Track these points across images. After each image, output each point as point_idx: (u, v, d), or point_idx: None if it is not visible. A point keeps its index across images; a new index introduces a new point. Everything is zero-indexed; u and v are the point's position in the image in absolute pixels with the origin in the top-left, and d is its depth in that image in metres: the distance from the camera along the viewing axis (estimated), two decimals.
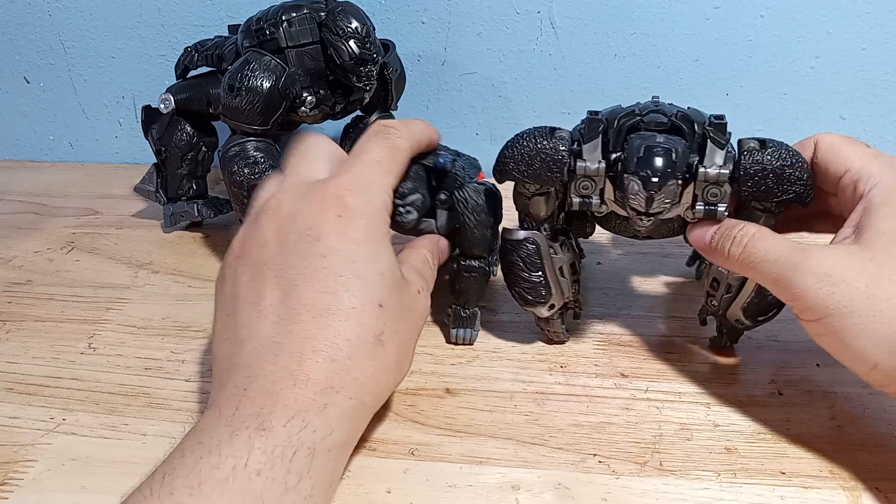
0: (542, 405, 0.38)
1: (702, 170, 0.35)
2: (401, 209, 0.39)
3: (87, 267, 0.54)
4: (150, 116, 0.58)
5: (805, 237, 0.40)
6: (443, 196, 0.40)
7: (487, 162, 0.69)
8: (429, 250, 0.39)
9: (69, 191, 0.68)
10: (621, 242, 0.54)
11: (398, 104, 0.58)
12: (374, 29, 0.50)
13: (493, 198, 0.41)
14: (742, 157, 0.35)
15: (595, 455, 0.35)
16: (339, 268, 0.31)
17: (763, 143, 0.35)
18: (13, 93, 0.75)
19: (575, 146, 0.37)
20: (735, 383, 0.39)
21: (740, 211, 0.37)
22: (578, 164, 0.36)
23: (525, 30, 0.64)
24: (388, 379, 0.32)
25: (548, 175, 0.37)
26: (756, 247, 0.33)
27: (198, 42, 0.57)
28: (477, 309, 0.43)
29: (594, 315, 0.46)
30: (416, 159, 0.39)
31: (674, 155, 0.34)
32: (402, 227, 0.40)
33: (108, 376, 0.41)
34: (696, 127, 0.35)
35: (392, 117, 0.58)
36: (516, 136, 0.38)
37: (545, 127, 0.37)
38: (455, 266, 0.42)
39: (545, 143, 0.37)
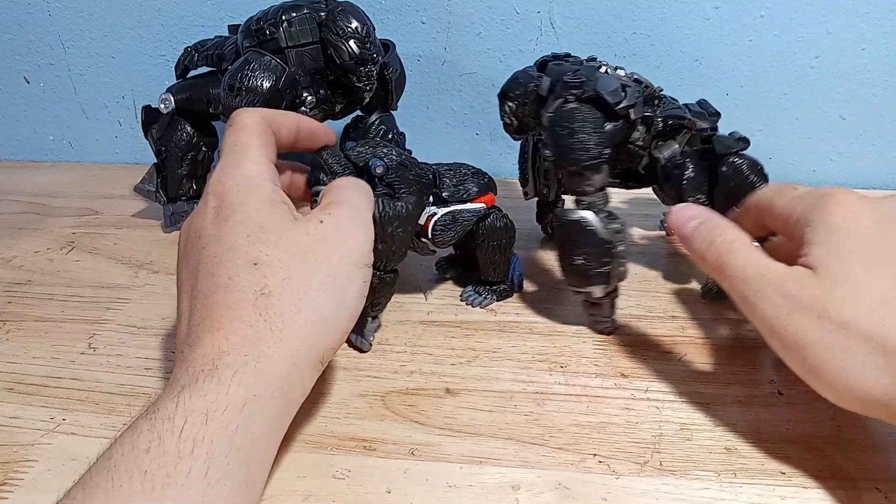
0: (542, 405, 0.38)
1: (541, 111, 0.43)
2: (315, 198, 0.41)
3: (87, 267, 0.54)
4: (150, 116, 0.58)
5: None
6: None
7: (486, 161, 0.69)
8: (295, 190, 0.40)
9: (69, 191, 0.68)
10: None
11: (398, 104, 0.58)
12: (374, 29, 0.50)
13: (408, 219, 0.40)
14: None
15: (595, 455, 0.35)
16: (213, 250, 0.32)
17: (573, 107, 0.41)
18: (13, 93, 0.75)
19: None
20: (735, 383, 0.39)
21: None
22: None
23: (525, 30, 0.64)
24: (294, 323, 0.31)
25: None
26: (731, 258, 0.33)
27: (198, 42, 0.57)
28: (369, 319, 0.43)
29: None
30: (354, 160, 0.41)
31: (513, 84, 0.46)
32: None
33: (108, 376, 0.41)
34: (552, 76, 0.44)
35: (392, 117, 0.58)
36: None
37: None
38: None
39: None
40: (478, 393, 0.39)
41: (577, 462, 0.34)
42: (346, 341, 0.43)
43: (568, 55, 0.47)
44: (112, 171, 0.73)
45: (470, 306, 0.47)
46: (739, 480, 0.33)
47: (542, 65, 0.46)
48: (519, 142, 0.51)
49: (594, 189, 0.41)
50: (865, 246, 0.30)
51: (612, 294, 0.42)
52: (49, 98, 0.74)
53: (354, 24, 0.49)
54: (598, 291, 0.41)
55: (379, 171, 0.40)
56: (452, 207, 0.43)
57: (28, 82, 0.74)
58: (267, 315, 0.30)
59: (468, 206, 0.44)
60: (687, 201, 0.43)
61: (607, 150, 0.41)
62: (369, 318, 0.43)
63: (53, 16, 0.70)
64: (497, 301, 0.48)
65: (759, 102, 0.64)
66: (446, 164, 0.45)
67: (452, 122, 0.69)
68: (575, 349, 0.43)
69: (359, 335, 0.43)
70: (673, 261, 0.52)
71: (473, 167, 0.46)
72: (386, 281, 0.41)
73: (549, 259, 0.53)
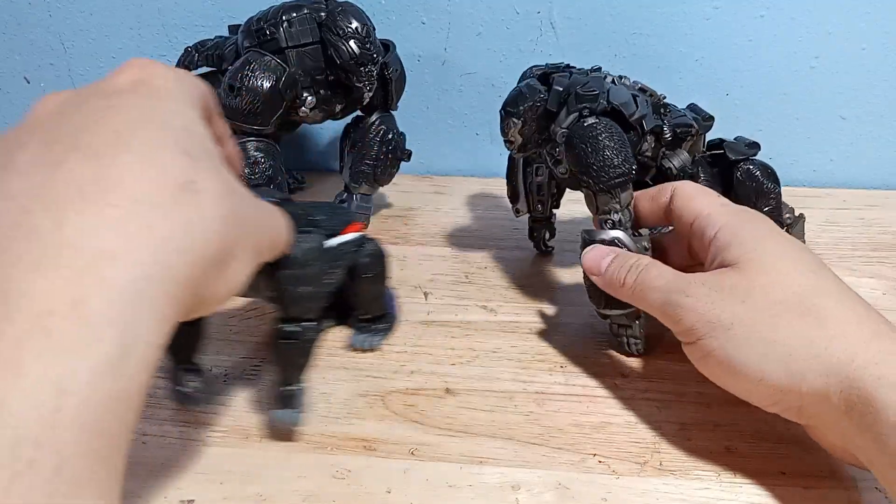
0: (542, 405, 0.38)
1: (552, 126, 0.41)
2: None
3: None
4: None
5: None
6: None
7: (486, 161, 0.69)
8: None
9: None
10: None
11: (398, 104, 0.58)
12: (374, 29, 0.50)
13: (325, 254, 0.36)
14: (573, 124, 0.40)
15: (595, 455, 0.35)
16: (128, 112, 0.24)
17: (593, 121, 0.39)
18: (13, 93, 0.75)
19: None
20: None
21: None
22: None
23: (525, 30, 0.64)
24: (208, 247, 0.22)
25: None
26: (648, 273, 0.36)
27: (198, 42, 0.57)
28: (300, 386, 0.36)
29: (594, 315, 0.45)
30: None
31: (518, 98, 0.41)
32: None
33: None
34: (561, 89, 0.41)
35: (392, 117, 0.58)
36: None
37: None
38: (273, 330, 0.35)
39: None
40: (478, 393, 0.39)
41: (577, 462, 0.34)
42: (275, 423, 0.36)
43: (568, 66, 0.45)
44: None
45: (369, 351, 0.42)
46: (739, 480, 0.33)
47: (542, 77, 0.43)
48: None
49: (621, 207, 0.40)
50: (788, 247, 0.34)
51: (641, 313, 0.41)
52: None
53: (354, 24, 0.49)
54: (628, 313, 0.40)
55: None
56: (335, 241, 0.37)
57: (28, 82, 0.74)
58: (191, 215, 0.22)
59: (346, 237, 0.38)
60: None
61: (634, 166, 0.39)
62: (297, 387, 0.36)
63: (53, 16, 0.70)
64: (388, 335, 0.44)
65: (759, 102, 0.64)
66: (297, 203, 0.40)
67: (452, 122, 0.69)
68: (575, 349, 0.43)
69: (288, 408, 0.36)
70: None
71: (325, 201, 0.40)
72: (316, 332, 0.35)
73: (550, 259, 0.53)
